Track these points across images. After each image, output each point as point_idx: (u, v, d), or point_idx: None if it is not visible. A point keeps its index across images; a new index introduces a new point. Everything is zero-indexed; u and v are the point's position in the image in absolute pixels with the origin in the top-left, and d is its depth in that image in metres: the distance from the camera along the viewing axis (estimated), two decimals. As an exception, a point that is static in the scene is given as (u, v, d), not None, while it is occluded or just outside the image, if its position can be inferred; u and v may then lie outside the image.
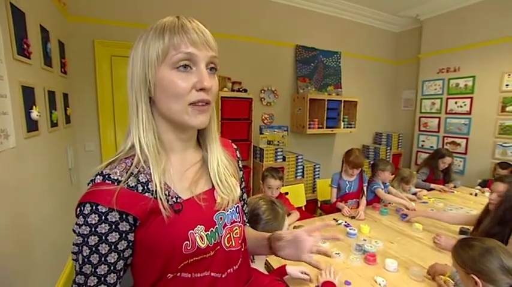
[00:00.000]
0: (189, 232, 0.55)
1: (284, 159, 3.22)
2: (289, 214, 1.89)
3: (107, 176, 0.52)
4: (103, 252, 0.50)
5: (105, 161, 0.57)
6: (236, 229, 0.65)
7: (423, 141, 4.07)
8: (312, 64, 3.70)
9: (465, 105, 3.54)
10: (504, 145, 3.16)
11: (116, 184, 0.51)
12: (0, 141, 1.19)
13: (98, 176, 0.52)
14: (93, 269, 0.50)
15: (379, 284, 1.19)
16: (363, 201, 2.17)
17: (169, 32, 0.52)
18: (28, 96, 1.50)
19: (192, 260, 0.56)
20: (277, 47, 3.48)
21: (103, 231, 0.50)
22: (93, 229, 0.50)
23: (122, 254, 0.52)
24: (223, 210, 0.62)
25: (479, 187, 2.83)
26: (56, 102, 1.99)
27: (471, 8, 3.42)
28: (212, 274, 0.58)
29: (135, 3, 2.67)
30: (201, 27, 0.54)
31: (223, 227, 0.62)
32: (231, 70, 3.09)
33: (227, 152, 0.70)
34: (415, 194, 2.51)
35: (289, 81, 3.63)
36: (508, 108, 3.13)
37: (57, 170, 2.00)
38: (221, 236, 0.61)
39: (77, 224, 0.52)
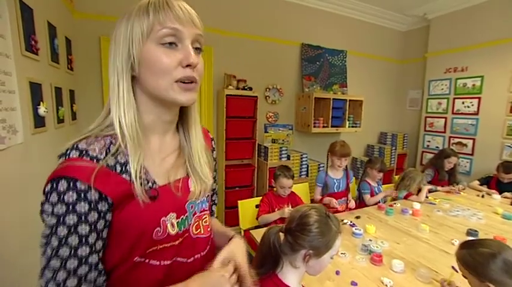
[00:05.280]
0: (161, 219, 0.55)
1: (289, 158, 3.21)
2: None
3: (84, 151, 0.49)
4: (83, 233, 0.47)
5: (79, 134, 0.54)
6: (205, 217, 0.67)
7: (429, 141, 4.03)
8: (318, 63, 3.68)
9: (472, 105, 3.50)
10: (512, 146, 3.12)
11: (94, 161, 0.49)
12: (9, 137, 1.20)
13: (74, 151, 0.49)
14: (72, 251, 0.46)
15: (386, 285, 1.18)
16: (350, 196, 2.30)
17: (154, 8, 0.51)
18: (35, 92, 1.50)
19: (161, 246, 0.56)
20: (283, 45, 3.46)
21: (82, 210, 0.47)
22: (70, 208, 0.46)
23: (100, 234, 0.50)
24: (195, 199, 0.63)
25: (481, 186, 2.80)
26: (63, 99, 2.00)
27: (480, 6, 3.37)
28: (179, 259, 0.59)
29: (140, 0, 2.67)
30: (186, 5, 0.54)
31: (193, 215, 0.63)
32: (236, 68, 3.09)
33: (204, 141, 0.70)
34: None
35: (294, 80, 3.61)
36: (516, 109, 3.09)
37: (63, 166, 2.01)
38: (190, 224, 0.62)
39: (48, 202, 0.47)
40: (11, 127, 1.22)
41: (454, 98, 3.69)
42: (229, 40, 3.06)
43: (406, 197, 2.42)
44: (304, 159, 3.37)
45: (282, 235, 0.93)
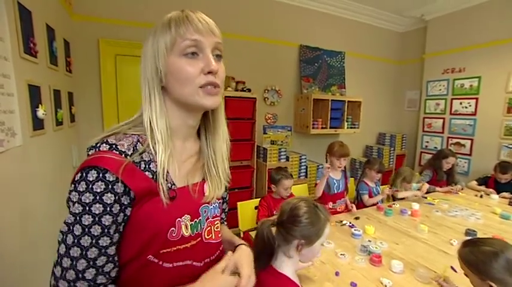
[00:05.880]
0: (177, 220, 0.57)
1: (287, 159, 3.21)
2: None
3: (114, 146, 0.52)
4: (106, 223, 0.49)
5: (107, 130, 0.57)
6: (217, 223, 0.70)
7: (427, 142, 4.05)
8: (316, 64, 3.69)
9: (470, 106, 3.52)
10: (510, 146, 3.14)
11: (123, 155, 0.52)
12: (7, 140, 1.19)
13: (104, 144, 0.52)
14: (93, 241, 0.48)
15: (385, 286, 1.18)
16: (348, 200, 2.27)
17: (175, 24, 0.55)
18: (34, 95, 1.50)
19: (175, 248, 0.58)
20: (281, 47, 3.47)
21: (108, 201, 0.49)
22: (97, 197, 0.48)
23: (118, 227, 0.52)
24: (208, 203, 0.65)
25: (479, 187, 2.81)
26: (61, 101, 2.00)
27: (477, 8, 3.40)
28: (194, 263, 0.62)
29: (140, 3, 2.68)
30: (204, 17, 0.58)
31: (206, 220, 0.65)
32: (234, 70, 3.09)
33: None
34: (419, 189, 2.52)
35: (293, 81, 3.62)
36: (513, 109, 3.10)
37: (62, 169, 2.01)
38: (203, 228, 0.64)
39: (76, 191, 0.48)
40: (9, 130, 1.21)
41: (452, 99, 3.71)
42: (227, 42, 3.03)
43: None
44: (303, 160, 3.38)
45: (274, 228, 0.97)
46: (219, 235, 0.70)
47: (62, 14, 2.17)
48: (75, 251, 0.47)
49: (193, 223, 0.61)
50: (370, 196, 2.37)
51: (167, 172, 0.57)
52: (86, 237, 0.48)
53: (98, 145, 0.52)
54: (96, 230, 0.48)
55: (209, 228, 0.66)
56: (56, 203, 1.85)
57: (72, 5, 2.37)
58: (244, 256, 0.67)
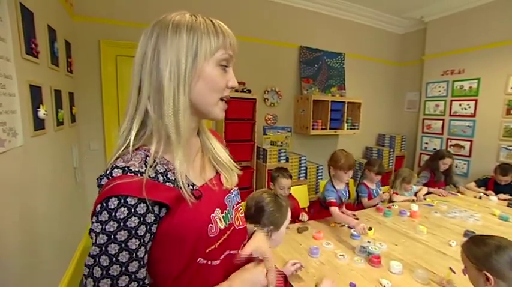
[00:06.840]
0: (211, 215, 0.59)
1: (287, 160, 3.22)
2: (298, 216, 1.90)
3: (126, 168, 0.50)
4: (133, 247, 0.48)
5: (110, 158, 0.55)
6: (241, 208, 0.73)
7: (426, 143, 4.06)
8: (316, 65, 3.70)
9: (469, 107, 3.53)
10: (509, 147, 3.15)
11: (138, 175, 0.49)
12: (9, 140, 1.20)
13: (116, 170, 0.49)
14: (123, 269, 0.47)
15: (384, 287, 1.19)
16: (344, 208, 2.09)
17: (222, 33, 0.57)
18: (35, 95, 1.51)
19: (218, 243, 0.59)
20: (281, 48, 3.49)
21: (133, 225, 0.47)
22: (121, 224, 0.46)
23: (146, 247, 0.51)
24: (229, 192, 0.68)
25: (477, 188, 2.82)
26: (62, 102, 2.00)
27: (476, 9, 3.41)
28: (233, 251, 0.64)
29: (140, 4, 2.69)
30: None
31: (232, 209, 0.67)
32: (235, 70, 3.07)
33: (218, 140, 0.76)
34: (417, 192, 2.53)
35: (292, 82, 3.63)
36: (513, 111, 3.11)
37: (62, 169, 2.02)
38: (232, 217, 0.66)
39: (98, 222, 0.47)
40: (11, 130, 1.22)
41: (452, 100, 3.72)
42: (228, 43, 3.08)
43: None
44: (302, 161, 3.38)
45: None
46: (244, 220, 0.73)
47: (63, 14, 2.19)
48: (104, 283, 0.46)
49: (224, 214, 0.62)
50: (370, 198, 2.37)
51: (186, 175, 0.57)
52: (115, 266, 0.46)
53: (109, 171, 0.50)
54: (124, 256, 0.47)
55: (236, 215, 0.69)
56: (56, 203, 1.85)
57: (73, 6, 2.38)
58: (262, 241, 0.69)
